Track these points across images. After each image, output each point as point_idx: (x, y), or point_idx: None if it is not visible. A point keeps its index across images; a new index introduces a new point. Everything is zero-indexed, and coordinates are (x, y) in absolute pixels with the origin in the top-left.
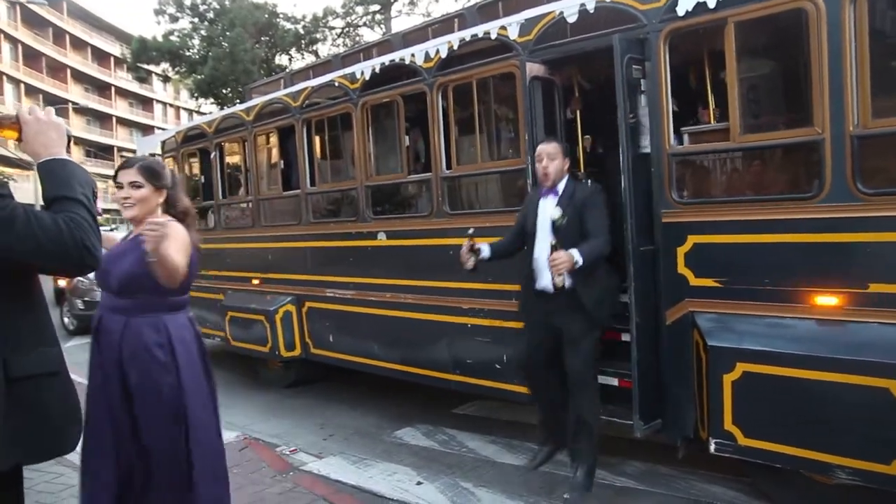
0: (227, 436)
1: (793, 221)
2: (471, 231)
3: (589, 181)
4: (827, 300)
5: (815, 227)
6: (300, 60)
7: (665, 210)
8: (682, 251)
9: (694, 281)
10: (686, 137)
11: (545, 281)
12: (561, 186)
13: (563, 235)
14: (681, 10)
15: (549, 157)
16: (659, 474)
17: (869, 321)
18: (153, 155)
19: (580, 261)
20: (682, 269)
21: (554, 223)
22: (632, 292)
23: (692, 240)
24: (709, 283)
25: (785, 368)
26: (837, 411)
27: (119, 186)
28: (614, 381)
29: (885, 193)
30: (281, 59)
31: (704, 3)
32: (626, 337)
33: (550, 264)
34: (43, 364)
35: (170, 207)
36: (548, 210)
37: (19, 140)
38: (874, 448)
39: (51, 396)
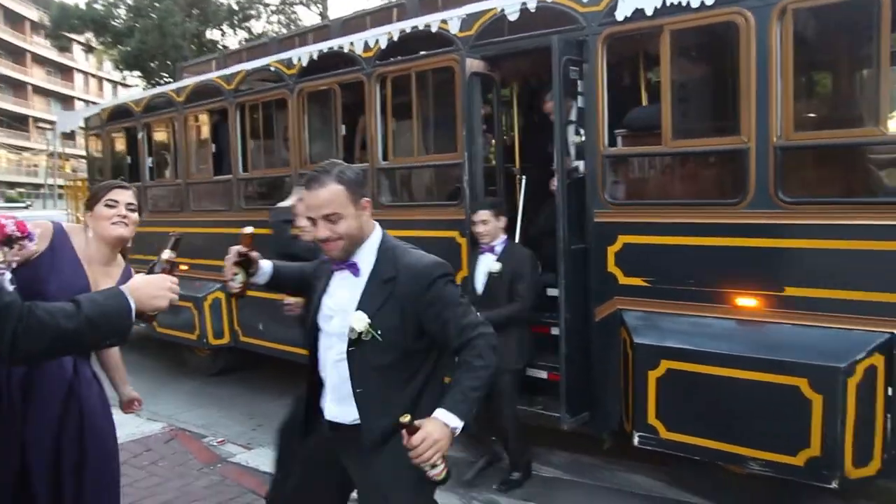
0: (153, 427)
1: (718, 225)
2: (248, 230)
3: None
4: (746, 302)
5: (737, 232)
6: (233, 36)
7: (598, 210)
8: (612, 250)
9: (623, 279)
10: (620, 139)
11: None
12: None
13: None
14: (620, 15)
15: None
16: (584, 464)
17: (784, 322)
18: (73, 132)
19: (459, 426)
20: (611, 267)
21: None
22: (562, 289)
23: (622, 239)
24: (637, 281)
25: (706, 366)
26: (752, 407)
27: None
28: (543, 375)
29: (803, 202)
30: (213, 34)
31: (642, 9)
32: (555, 331)
33: (413, 455)
34: None
35: None
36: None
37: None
38: (784, 441)
39: None
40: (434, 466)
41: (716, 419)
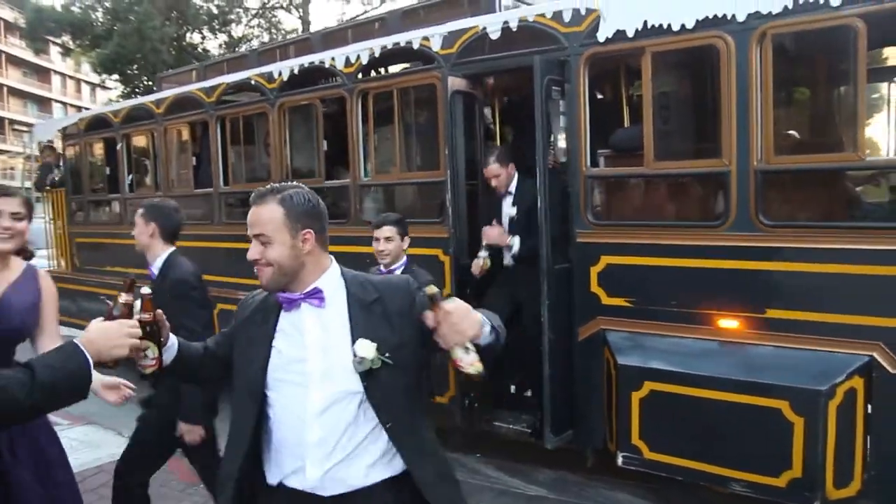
0: None
1: (700, 247)
2: (145, 290)
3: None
4: (729, 323)
5: (719, 254)
6: (213, 40)
7: (580, 230)
8: (595, 270)
9: (606, 300)
10: (602, 160)
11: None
12: (326, 285)
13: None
14: (601, 36)
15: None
16: (568, 482)
17: (765, 344)
18: (51, 142)
19: (488, 327)
20: (594, 287)
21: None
22: (545, 309)
23: (605, 260)
24: (620, 302)
25: (688, 388)
26: (735, 428)
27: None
28: (528, 393)
29: (783, 226)
30: (193, 38)
31: (624, 31)
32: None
33: (444, 328)
34: None
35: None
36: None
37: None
38: (766, 463)
39: None
40: (467, 350)
41: (699, 440)
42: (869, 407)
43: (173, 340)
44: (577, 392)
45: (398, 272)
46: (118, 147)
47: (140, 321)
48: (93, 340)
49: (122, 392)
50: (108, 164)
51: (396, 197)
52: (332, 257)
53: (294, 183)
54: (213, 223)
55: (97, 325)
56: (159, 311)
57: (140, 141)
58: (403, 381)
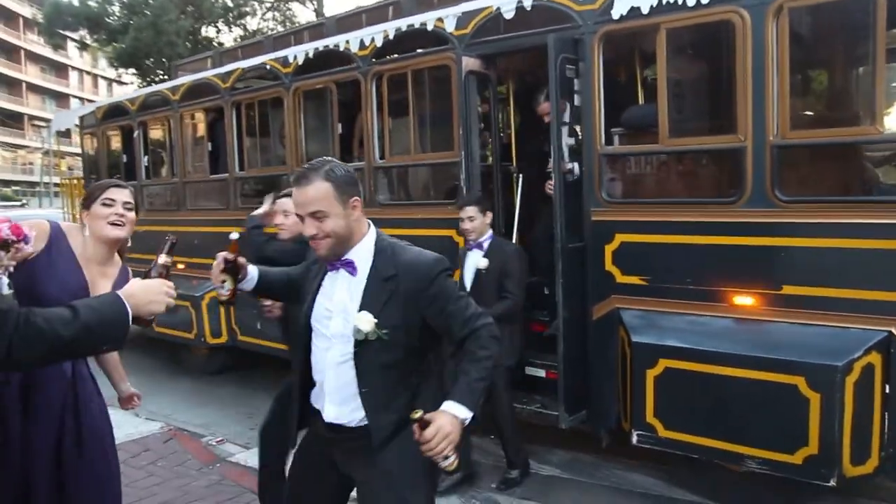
0: (151, 426)
1: (715, 224)
2: (234, 235)
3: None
4: (744, 300)
5: (735, 231)
6: (228, 33)
7: (594, 208)
8: (609, 249)
9: (620, 278)
10: (616, 138)
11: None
12: (359, 256)
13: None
14: (615, 14)
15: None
16: (582, 462)
17: (781, 321)
18: (68, 129)
19: (469, 416)
20: (609, 266)
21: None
22: (559, 287)
23: (620, 238)
24: (635, 280)
25: (703, 365)
26: (750, 405)
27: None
28: (541, 373)
29: (800, 201)
30: (208, 32)
31: (638, 7)
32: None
33: (426, 448)
34: None
35: None
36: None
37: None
38: (782, 440)
39: None
40: (446, 458)
41: (714, 417)
42: (887, 386)
43: (252, 274)
44: (592, 372)
45: (486, 244)
46: (135, 134)
47: (226, 259)
48: (133, 294)
49: (134, 403)
50: (124, 152)
51: (410, 178)
52: (370, 221)
53: (324, 158)
54: (228, 208)
55: (138, 281)
56: (242, 258)
57: (157, 128)
58: (389, 358)
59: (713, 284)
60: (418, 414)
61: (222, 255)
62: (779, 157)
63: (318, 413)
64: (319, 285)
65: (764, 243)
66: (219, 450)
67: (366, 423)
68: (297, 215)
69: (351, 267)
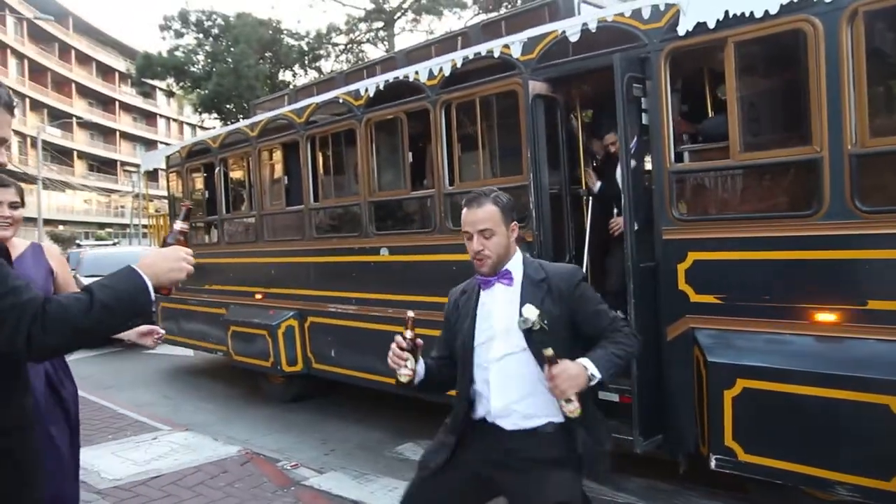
0: (229, 450)
1: (792, 239)
2: (410, 313)
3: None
4: (826, 317)
5: (813, 245)
6: (304, 76)
7: (665, 227)
8: (682, 268)
9: (694, 297)
10: (686, 155)
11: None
12: (513, 268)
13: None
14: (681, 30)
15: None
16: (659, 490)
17: (868, 338)
18: (156, 171)
19: (598, 375)
20: (682, 285)
21: (530, 330)
22: (632, 308)
23: (692, 256)
24: (709, 299)
25: (784, 385)
26: (837, 427)
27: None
28: (615, 397)
29: (883, 211)
30: (285, 75)
31: (704, 23)
32: None
33: (551, 384)
34: None
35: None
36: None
37: None
38: (874, 464)
39: None
40: (568, 401)
41: (797, 440)
42: None
43: (422, 363)
44: (667, 395)
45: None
46: (216, 171)
47: (406, 338)
48: (150, 264)
49: (155, 335)
50: (206, 188)
51: None
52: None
53: (488, 186)
54: (304, 239)
55: (154, 250)
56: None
57: (236, 164)
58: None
59: (792, 301)
60: (550, 352)
61: (406, 334)
62: (858, 167)
63: (481, 421)
64: (477, 303)
65: (845, 256)
66: (293, 473)
67: (541, 423)
68: (465, 232)
69: (508, 277)
